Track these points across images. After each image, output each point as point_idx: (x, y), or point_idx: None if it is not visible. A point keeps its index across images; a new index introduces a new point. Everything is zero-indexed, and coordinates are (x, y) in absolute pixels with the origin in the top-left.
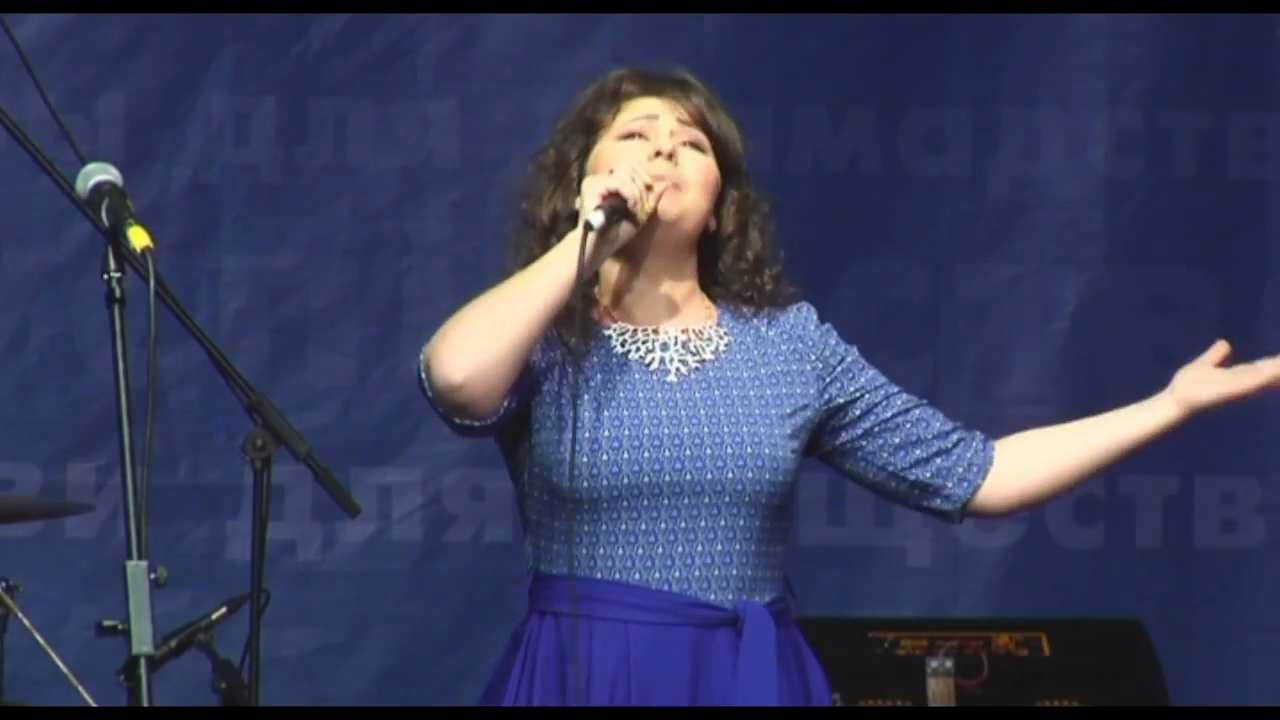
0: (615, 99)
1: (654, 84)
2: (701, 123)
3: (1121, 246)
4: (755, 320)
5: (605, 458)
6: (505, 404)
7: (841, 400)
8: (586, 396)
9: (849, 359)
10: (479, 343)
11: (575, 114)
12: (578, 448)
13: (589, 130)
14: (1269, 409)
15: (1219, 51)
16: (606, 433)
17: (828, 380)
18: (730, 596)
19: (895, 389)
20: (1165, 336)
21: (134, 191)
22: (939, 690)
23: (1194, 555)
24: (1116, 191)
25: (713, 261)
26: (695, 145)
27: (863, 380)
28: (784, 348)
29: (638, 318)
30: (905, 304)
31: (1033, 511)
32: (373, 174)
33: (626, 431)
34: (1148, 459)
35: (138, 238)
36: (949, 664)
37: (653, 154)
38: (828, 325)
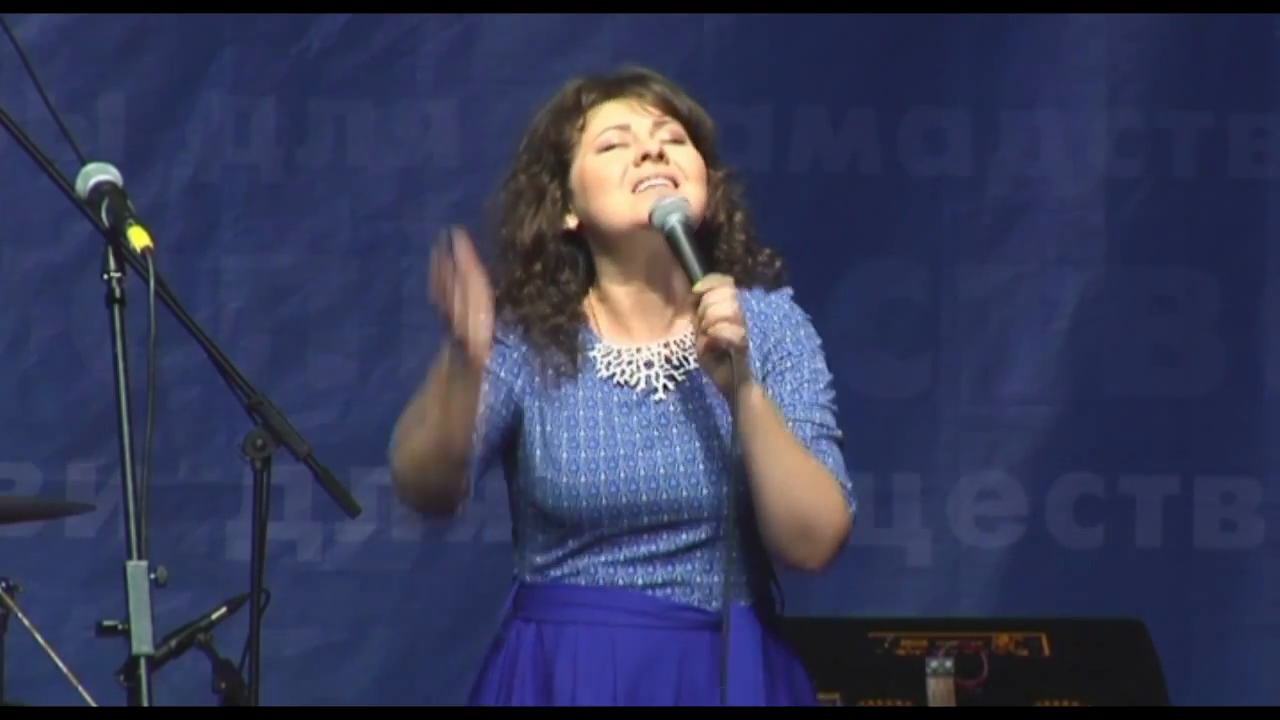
0: (578, 111)
1: (612, 87)
2: (671, 111)
3: (1121, 246)
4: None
5: (584, 479)
6: (466, 484)
7: None
8: (568, 418)
9: (784, 365)
10: (417, 479)
11: (538, 135)
12: (558, 470)
13: (557, 150)
14: (1269, 409)
15: (1219, 51)
16: (584, 455)
17: (763, 377)
18: (714, 603)
19: (799, 417)
20: (1165, 336)
21: (134, 191)
22: (939, 690)
23: (1194, 555)
24: (1116, 191)
25: (709, 249)
26: (675, 139)
27: (781, 395)
28: (757, 339)
29: (626, 334)
30: (905, 304)
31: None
32: (373, 174)
33: (603, 453)
34: (1148, 459)
35: (138, 238)
36: (949, 664)
37: (639, 159)
38: (796, 319)
